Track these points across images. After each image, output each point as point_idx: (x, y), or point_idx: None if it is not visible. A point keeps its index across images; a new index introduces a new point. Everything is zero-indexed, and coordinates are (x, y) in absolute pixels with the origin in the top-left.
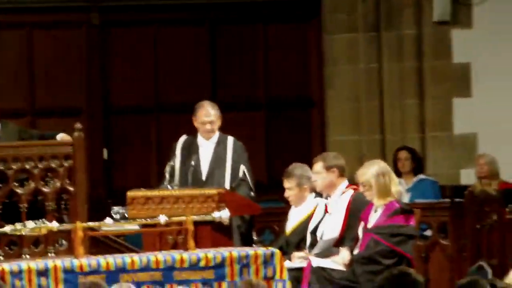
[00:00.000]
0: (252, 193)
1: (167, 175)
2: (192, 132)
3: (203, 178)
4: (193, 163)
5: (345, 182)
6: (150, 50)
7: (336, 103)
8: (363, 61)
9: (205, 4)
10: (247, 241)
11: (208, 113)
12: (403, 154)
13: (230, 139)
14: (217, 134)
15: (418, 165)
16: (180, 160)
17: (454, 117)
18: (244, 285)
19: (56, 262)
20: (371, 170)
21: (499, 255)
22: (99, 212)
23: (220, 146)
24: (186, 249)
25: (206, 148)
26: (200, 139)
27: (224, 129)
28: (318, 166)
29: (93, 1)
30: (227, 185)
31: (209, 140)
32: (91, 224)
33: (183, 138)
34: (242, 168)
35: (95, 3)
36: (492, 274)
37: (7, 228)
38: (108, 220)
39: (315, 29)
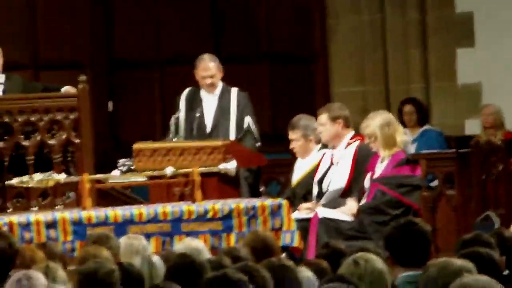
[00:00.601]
0: (257, 144)
1: (172, 128)
2: (197, 84)
3: (208, 130)
4: (197, 115)
5: (351, 133)
6: (151, 1)
7: (339, 54)
8: (365, 12)
9: None
10: (254, 192)
11: (207, 67)
12: (407, 108)
13: (234, 90)
14: (220, 85)
15: (423, 116)
16: (185, 112)
17: (458, 67)
18: (251, 236)
19: (64, 214)
20: (376, 121)
21: (506, 205)
22: (105, 164)
23: (224, 97)
24: (193, 200)
25: (210, 100)
26: (203, 92)
27: (228, 82)
28: (323, 117)
29: None
30: (232, 137)
31: (212, 93)
32: (98, 176)
33: (187, 90)
34: (247, 119)
35: None
36: (499, 224)
37: (14, 181)
38: (115, 172)
39: None
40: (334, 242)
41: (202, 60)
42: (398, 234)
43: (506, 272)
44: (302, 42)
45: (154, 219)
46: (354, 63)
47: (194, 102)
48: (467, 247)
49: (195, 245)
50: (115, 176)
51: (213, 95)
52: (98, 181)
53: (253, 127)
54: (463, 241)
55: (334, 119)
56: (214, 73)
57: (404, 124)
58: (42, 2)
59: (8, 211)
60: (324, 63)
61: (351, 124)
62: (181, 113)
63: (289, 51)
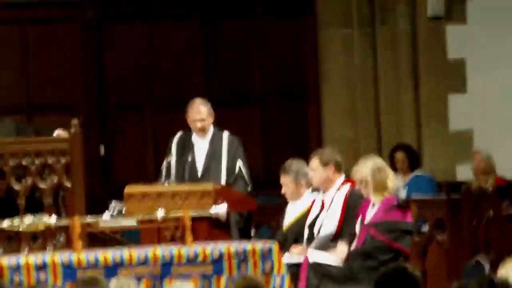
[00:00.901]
0: (249, 188)
1: (163, 171)
2: (188, 128)
3: (199, 174)
4: (189, 159)
5: (342, 177)
6: (144, 45)
7: (331, 97)
8: (358, 56)
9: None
10: (245, 237)
11: (198, 110)
12: (399, 155)
13: (225, 134)
14: (211, 129)
15: (414, 162)
16: (176, 156)
17: (450, 112)
18: (241, 280)
19: (55, 257)
20: (367, 166)
21: (496, 250)
22: (97, 208)
23: (215, 141)
24: (183, 244)
25: (201, 144)
26: (195, 136)
27: (219, 125)
28: (315, 162)
29: None
30: (223, 181)
31: (203, 137)
32: (88, 219)
33: (178, 134)
34: (239, 163)
35: None
36: (489, 269)
37: (5, 224)
38: (105, 215)
39: (310, 23)
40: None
41: (193, 103)
42: (388, 280)
43: None
44: (293, 84)
45: (144, 262)
46: (346, 105)
47: (186, 146)
48: None
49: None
50: (106, 220)
51: (205, 139)
52: (89, 224)
53: (244, 171)
54: None
55: (325, 164)
56: (205, 117)
57: (395, 169)
58: (35, 46)
59: None
60: (316, 106)
61: (342, 169)
62: (173, 157)
63: (281, 93)
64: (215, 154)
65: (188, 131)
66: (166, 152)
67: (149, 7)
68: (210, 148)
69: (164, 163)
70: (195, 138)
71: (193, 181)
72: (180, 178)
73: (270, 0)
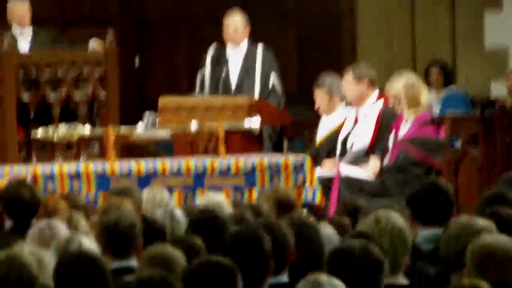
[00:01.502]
0: (282, 102)
1: (198, 84)
2: (223, 41)
3: (233, 88)
4: (223, 72)
5: (376, 93)
6: None
7: (367, 13)
8: None
9: None
10: (278, 151)
11: (232, 18)
12: (434, 70)
13: (260, 47)
14: (246, 43)
15: (448, 78)
16: (210, 70)
17: (485, 29)
18: (273, 192)
19: (88, 166)
20: (400, 82)
21: None
22: (131, 119)
23: (250, 55)
24: (217, 155)
25: (235, 57)
26: (229, 49)
27: (256, 40)
28: (349, 77)
29: None
30: (256, 95)
31: (237, 48)
32: (122, 129)
33: (213, 47)
34: (272, 77)
35: None
36: None
37: (40, 133)
38: (139, 125)
39: None
40: (354, 200)
41: (229, 13)
42: (421, 193)
43: None
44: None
45: (177, 173)
46: (382, 22)
47: (220, 59)
48: (489, 205)
49: (217, 199)
50: (140, 131)
51: (239, 52)
52: (123, 135)
53: (278, 85)
54: (485, 199)
55: (359, 78)
56: (238, 24)
57: (429, 85)
58: None
59: (33, 162)
60: (352, 21)
61: (376, 84)
62: (207, 70)
63: (317, 6)
64: (249, 68)
65: (222, 44)
66: (201, 64)
67: None
68: (244, 62)
69: (199, 76)
70: (229, 51)
71: (227, 95)
72: (214, 92)
73: None
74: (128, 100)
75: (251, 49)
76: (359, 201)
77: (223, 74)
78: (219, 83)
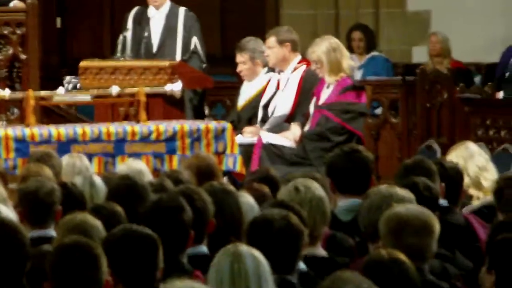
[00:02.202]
0: (204, 65)
1: (119, 46)
2: (146, 4)
3: (154, 49)
4: (144, 34)
5: (298, 58)
6: None
7: None
8: None
9: None
10: (199, 114)
11: None
12: (356, 35)
13: (182, 10)
14: (168, 4)
15: (370, 42)
16: (132, 31)
17: None
18: (194, 159)
19: (8, 131)
20: (322, 47)
21: (448, 134)
22: (52, 81)
23: (171, 17)
24: (137, 121)
25: (157, 19)
26: (151, 10)
27: (178, 2)
28: (271, 40)
29: None
30: (178, 57)
31: (159, 10)
32: (43, 93)
33: (135, 9)
34: (194, 40)
35: None
36: (441, 153)
37: None
38: (60, 89)
39: None
40: (266, 168)
41: None
42: (339, 161)
43: (443, 202)
44: None
45: (97, 139)
46: None
47: (142, 21)
48: (408, 173)
49: (138, 166)
50: (61, 94)
51: (161, 13)
52: (43, 98)
53: (199, 48)
54: (404, 167)
55: (281, 42)
56: None
57: (351, 50)
58: None
59: None
60: None
61: (298, 48)
62: (128, 32)
63: None
64: (170, 30)
65: (145, 7)
66: (122, 27)
67: None
68: (166, 23)
69: (120, 38)
70: (151, 12)
71: (148, 57)
72: (135, 54)
73: None
74: (50, 62)
75: (173, 11)
76: (272, 169)
77: (145, 35)
78: (141, 44)
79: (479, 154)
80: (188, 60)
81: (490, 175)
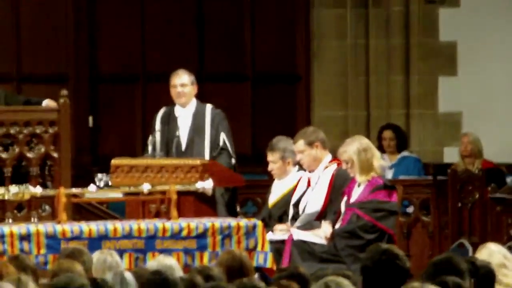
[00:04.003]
0: (233, 161)
1: (149, 147)
2: (173, 103)
3: (183, 147)
4: (173, 133)
5: (329, 156)
6: (138, 17)
7: (322, 77)
8: (350, 36)
9: None
10: (230, 211)
11: (179, 76)
12: (387, 133)
13: (208, 107)
14: (194, 102)
15: (402, 142)
16: (161, 132)
17: (439, 95)
18: (226, 255)
19: (39, 227)
20: (353, 147)
21: (480, 233)
22: (83, 179)
23: (198, 114)
24: (168, 218)
25: (184, 117)
26: (178, 109)
27: (210, 100)
28: (300, 144)
29: None
30: (207, 154)
31: (185, 108)
32: (74, 190)
33: (162, 110)
34: (222, 136)
35: None
36: (472, 252)
37: None
38: (91, 187)
39: (303, 3)
40: (295, 265)
41: (176, 72)
42: (373, 261)
43: None
44: (285, 62)
45: (128, 236)
46: (337, 86)
47: (170, 121)
48: (438, 270)
49: (168, 262)
50: (92, 191)
51: (188, 111)
52: (75, 195)
53: (228, 144)
54: (433, 264)
55: (310, 144)
56: (185, 82)
57: (382, 150)
58: (26, 15)
59: None
60: (306, 84)
61: (327, 145)
62: (157, 133)
63: (272, 71)
64: (198, 128)
65: (171, 106)
66: (151, 128)
67: None
68: (193, 121)
69: (150, 139)
70: (178, 111)
71: (178, 155)
72: (165, 152)
73: None
74: (82, 160)
75: (200, 108)
76: (302, 267)
77: (173, 134)
78: (170, 143)
79: (498, 252)
80: (217, 157)
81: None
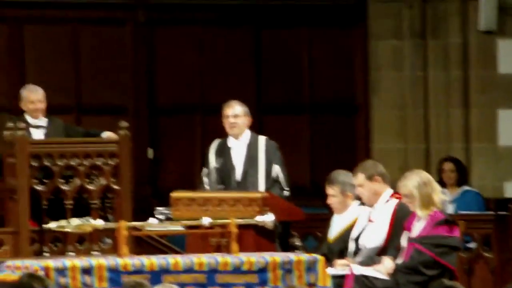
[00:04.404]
0: (285, 193)
1: (204, 179)
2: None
3: (237, 179)
4: (227, 165)
5: (389, 190)
6: (196, 49)
7: (380, 109)
8: (408, 68)
9: (250, 6)
10: (283, 244)
11: (232, 107)
12: (448, 166)
13: (262, 139)
14: (248, 134)
15: (462, 176)
16: (214, 164)
17: (499, 128)
18: None
19: (100, 260)
20: (413, 181)
21: None
22: (143, 211)
23: (252, 146)
24: (229, 252)
25: (238, 149)
26: (231, 141)
27: (268, 132)
28: (360, 178)
29: None
30: (261, 186)
31: (238, 139)
32: (135, 223)
33: (215, 142)
34: (276, 168)
35: (141, 1)
36: None
37: (52, 225)
38: (152, 220)
39: (360, 34)
40: None
41: (229, 104)
42: None
43: None
44: (343, 94)
45: (189, 269)
46: (395, 118)
47: (223, 153)
48: None
49: None
50: (153, 224)
51: (242, 143)
52: (135, 228)
53: (281, 175)
54: None
55: (370, 177)
56: (238, 113)
57: (443, 183)
58: (86, 47)
59: (45, 255)
60: (365, 116)
61: (387, 179)
62: (211, 166)
63: (330, 102)
64: (252, 159)
65: (224, 138)
66: (204, 161)
67: (202, 11)
68: (247, 153)
69: (204, 171)
70: (231, 143)
71: (232, 187)
72: (220, 184)
73: (321, 10)
74: (142, 193)
75: (254, 140)
76: None
77: (227, 166)
78: (224, 175)
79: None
80: (269, 189)
81: None
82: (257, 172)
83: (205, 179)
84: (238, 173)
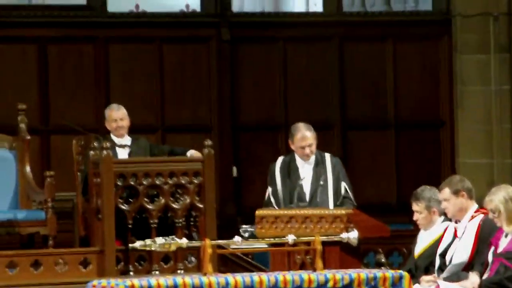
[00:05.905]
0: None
1: (272, 199)
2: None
3: (307, 198)
4: (296, 184)
5: (475, 206)
6: (280, 66)
7: (466, 124)
8: (494, 82)
9: (333, 21)
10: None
11: (305, 137)
12: None
13: (327, 156)
14: (314, 153)
15: None
16: (281, 182)
17: None
18: None
19: (185, 279)
20: (499, 196)
21: None
22: (228, 229)
23: (319, 164)
24: (314, 269)
25: (306, 168)
26: (298, 160)
27: (353, 148)
28: (446, 192)
29: (223, 16)
30: (331, 204)
31: (307, 160)
32: (220, 241)
33: (280, 160)
34: (343, 185)
35: (225, 19)
36: None
37: (137, 244)
38: (237, 238)
39: (446, 49)
40: None
41: (298, 130)
42: None
43: None
44: (428, 108)
45: (274, 287)
46: (481, 133)
47: (290, 171)
48: None
49: None
50: (237, 242)
51: (309, 163)
52: (220, 247)
53: (349, 191)
54: None
55: (456, 192)
56: (311, 142)
57: None
58: (170, 66)
59: (130, 273)
60: (450, 131)
61: (473, 195)
62: (278, 184)
63: (416, 117)
64: (320, 177)
65: (288, 155)
66: (269, 182)
67: (283, 27)
68: (314, 172)
69: (270, 190)
70: (299, 162)
71: (302, 205)
72: (288, 203)
73: (405, 24)
74: (226, 211)
75: (320, 157)
76: None
77: (296, 184)
78: (293, 194)
79: None
80: (340, 205)
81: None
82: (327, 190)
83: (272, 199)
84: (307, 192)
